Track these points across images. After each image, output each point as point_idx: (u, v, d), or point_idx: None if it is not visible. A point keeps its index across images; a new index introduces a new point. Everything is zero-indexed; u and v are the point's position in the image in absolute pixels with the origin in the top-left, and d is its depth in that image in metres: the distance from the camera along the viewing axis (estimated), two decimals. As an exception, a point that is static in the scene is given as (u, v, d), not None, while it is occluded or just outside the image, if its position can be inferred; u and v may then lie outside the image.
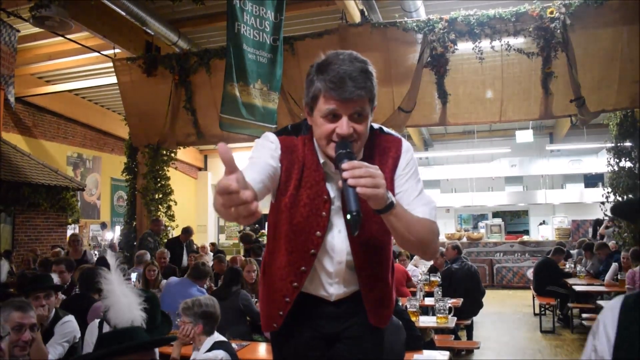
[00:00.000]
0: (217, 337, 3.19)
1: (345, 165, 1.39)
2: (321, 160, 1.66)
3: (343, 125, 1.52)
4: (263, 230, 15.35)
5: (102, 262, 7.19)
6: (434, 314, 5.25)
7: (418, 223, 1.56)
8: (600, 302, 6.61)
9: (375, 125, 1.73)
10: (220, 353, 3.01)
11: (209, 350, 3.07)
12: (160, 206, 9.08)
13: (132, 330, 1.99)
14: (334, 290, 1.73)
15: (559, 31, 6.74)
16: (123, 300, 2.15)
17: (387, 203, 1.44)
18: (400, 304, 4.56)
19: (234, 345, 3.49)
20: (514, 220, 16.97)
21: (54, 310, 3.47)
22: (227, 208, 1.14)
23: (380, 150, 1.68)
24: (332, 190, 1.67)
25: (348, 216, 1.36)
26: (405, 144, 1.72)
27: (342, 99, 1.51)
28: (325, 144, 1.57)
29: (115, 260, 2.26)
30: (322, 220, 1.66)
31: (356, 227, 1.36)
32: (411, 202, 1.60)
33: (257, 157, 1.62)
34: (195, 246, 10.51)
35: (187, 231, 8.73)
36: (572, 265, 8.97)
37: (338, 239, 1.69)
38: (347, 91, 1.50)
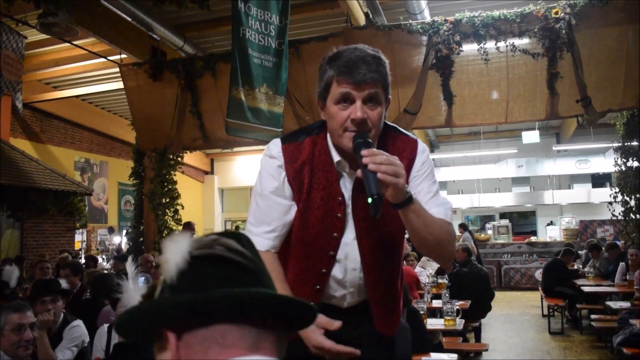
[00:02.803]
0: None
1: (364, 152, 1.39)
2: (335, 159, 1.63)
3: (357, 110, 1.49)
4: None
5: (122, 258, 7.21)
6: (441, 316, 5.24)
7: (435, 223, 1.53)
8: (608, 303, 6.58)
9: (390, 124, 1.70)
10: None
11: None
12: (167, 210, 9.11)
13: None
14: (348, 298, 1.69)
15: (564, 31, 6.72)
16: None
17: (406, 196, 1.43)
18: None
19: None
20: (521, 221, 16.91)
21: (62, 314, 3.49)
22: None
23: (395, 151, 1.63)
24: (346, 192, 1.64)
25: (369, 199, 1.35)
26: (421, 145, 1.70)
27: (355, 82, 1.49)
28: (341, 133, 1.54)
29: (135, 268, 2.24)
30: (339, 221, 1.63)
31: (377, 210, 1.35)
32: (426, 203, 1.55)
33: (273, 193, 1.65)
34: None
35: (188, 225, 8.55)
36: (581, 266, 8.93)
37: (352, 247, 1.65)
38: (360, 74, 1.48)
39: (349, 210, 1.64)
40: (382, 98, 1.55)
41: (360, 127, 1.50)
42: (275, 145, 1.68)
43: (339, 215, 1.63)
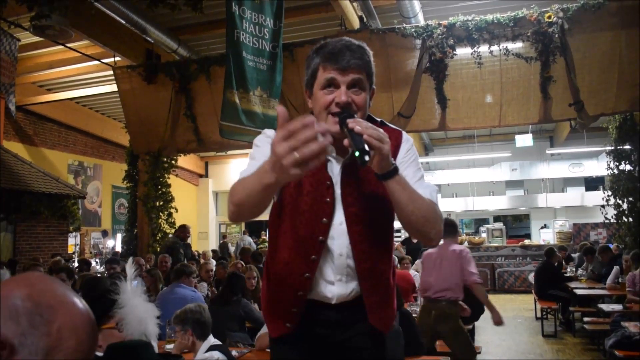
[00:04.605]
0: (213, 341, 3.24)
1: (350, 120, 1.44)
2: None
3: (342, 94, 1.55)
4: (264, 237, 15.37)
5: (113, 261, 7.16)
6: (435, 319, 5.23)
7: (422, 198, 1.55)
8: (601, 305, 6.60)
9: (376, 117, 1.74)
10: (215, 353, 3.06)
11: (205, 352, 3.13)
12: (161, 213, 9.09)
13: (139, 346, 1.94)
14: (336, 289, 1.67)
15: (557, 35, 6.77)
16: (136, 312, 2.12)
17: (391, 167, 1.47)
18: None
19: (234, 352, 3.51)
20: (515, 224, 16.96)
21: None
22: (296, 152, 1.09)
23: None
24: (333, 176, 1.66)
25: (356, 153, 1.37)
26: (405, 135, 1.73)
27: (340, 67, 1.55)
28: (325, 116, 1.58)
29: (134, 270, 2.23)
30: (327, 206, 1.65)
31: (364, 161, 1.36)
32: (412, 186, 1.57)
33: (260, 159, 1.64)
34: (196, 252, 10.50)
35: (184, 228, 8.50)
36: (574, 269, 8.95)
37: (339, 230, 1.65)
38: (345, 59, 1.55)
39: (337, 194, 1.66)
40: (366, 85, 1.60)
41: (345, 109, 1.55)
42: (270, 130, 1.73)
43: (328, 200, 1.65)
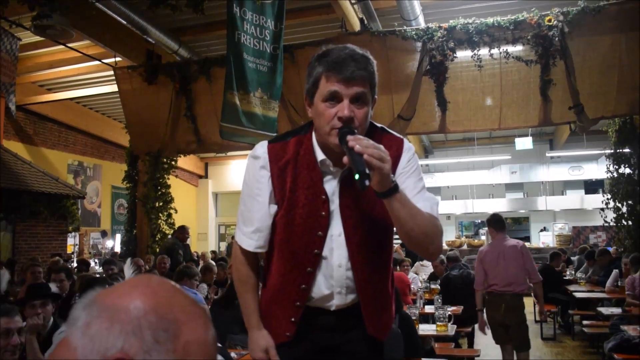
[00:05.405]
0: None
1: (350, 137, 1.43)
2: (319, 158, 1.64)
3: (344, 109, 1.51)
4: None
5: (111, 262, 7.15)
6: (434, 322, 5.24)
7: (422, 214, 1.53)
8: (600, 309, 6.60)
9: (377, 124, 1.73)
10: None
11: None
12: (160, 214, 9.07)
13: None
14: (335, 301, 1.68)
15: (557, 39, 6.77)
16: None
17: (392, 185, 1.44)
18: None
19: (232, 354, 3.50)
20: (514, 227, 16.94)
21: (51, 319, 3.46)
22: None
23: None
24: (330, 190, 1.65)
25: (356, 175, 1.36)
26: (407, 143, 1.71)
27: (344, 78, 1.51)
28: (328, 131, 1.55)
29: (132, 271, 2.22)
30: (323, 219, 1.64)
31: (364, 185, 1.36)
32: (412, 199, 1.56)
33: (257, 194, 1.68)
34: (195, 254, 10.49)
35: (182, 229, 8.48)
36: (573, 272, 8.95)
37: (337, 242, 1.65)
38: (349, 70, 1.50)
39: (334, 207, 1.65)
40: (369, 98, 1.57)
41: (347, 124, 1.53)
42: (261, 146, 1.71)
43: (323, 213, 1.64)
